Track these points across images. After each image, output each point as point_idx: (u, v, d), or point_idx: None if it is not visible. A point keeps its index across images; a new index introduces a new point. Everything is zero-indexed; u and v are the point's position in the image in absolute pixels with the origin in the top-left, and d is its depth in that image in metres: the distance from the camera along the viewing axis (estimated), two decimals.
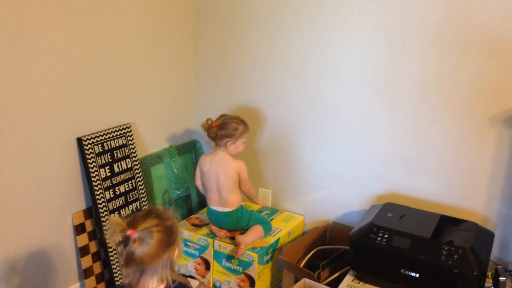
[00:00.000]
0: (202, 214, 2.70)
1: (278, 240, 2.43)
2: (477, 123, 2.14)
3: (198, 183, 2.49)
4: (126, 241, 1.34)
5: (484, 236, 2.02)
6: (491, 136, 2.12)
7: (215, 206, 2.40)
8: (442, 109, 2.20)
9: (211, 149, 2.46)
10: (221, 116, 2.38)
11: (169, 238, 1.37)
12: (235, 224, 2.41)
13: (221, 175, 2.35)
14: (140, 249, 1.32)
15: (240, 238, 2.28)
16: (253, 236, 2.34)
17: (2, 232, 1.94)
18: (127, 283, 1.39)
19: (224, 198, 2.38)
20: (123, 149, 2.37)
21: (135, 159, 2.43)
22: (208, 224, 2.55)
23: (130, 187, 2.40)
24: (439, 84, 2.18)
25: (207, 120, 2.37)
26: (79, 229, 2.23)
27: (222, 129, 2.32)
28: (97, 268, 2.31)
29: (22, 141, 1.95)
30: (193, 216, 2.69)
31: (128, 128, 2.41)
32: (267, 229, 2.42)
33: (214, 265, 2.44)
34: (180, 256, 1.46)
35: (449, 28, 2.11)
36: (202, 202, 2.96)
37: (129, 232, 1.32)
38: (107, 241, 2.23)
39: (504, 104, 2.07)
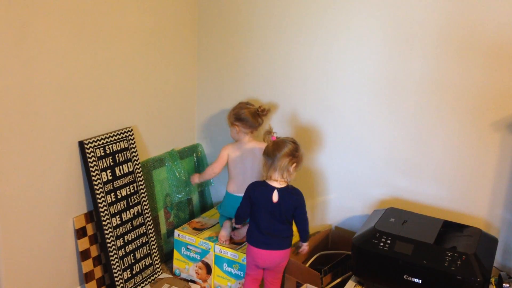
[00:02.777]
0: (204, 218, 2.69)
1: None
2: (480, 128, 2.13)
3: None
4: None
5: (487, 242, 2.01)
6: (494, 141, 2.11)
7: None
8: (445, 115, 2.19)
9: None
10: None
11: (294, 153, 2.07)
12: None
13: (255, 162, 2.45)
14: (272, 148, 2.07)
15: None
16: None
17: (3, 235, 1.93)
18: (264, 174, 2.13)
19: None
20: (124, 152, 2.36)
21: (137, 162, 2.43)
22: (208, 228, 2.55)
23: (132, 191, 2.39)
24: (443, 89, 2.17)
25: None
26: (80, 233, 2.22)
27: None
28: (98, 272, 2.30)
29: (24, 144, 1.95)
30: (195, 220, 2.68)
31: (130, 131, 2.41)
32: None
33: (215, 269, 2.43)
34: (296, 171, 2.11)
35: (452, 32, 2.10)
36: (204, 206, 2.96)
37: (271, 135, 2.12)
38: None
39: (507, 109, 2.06)
